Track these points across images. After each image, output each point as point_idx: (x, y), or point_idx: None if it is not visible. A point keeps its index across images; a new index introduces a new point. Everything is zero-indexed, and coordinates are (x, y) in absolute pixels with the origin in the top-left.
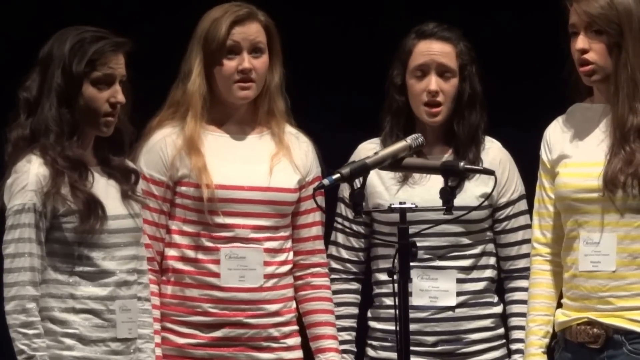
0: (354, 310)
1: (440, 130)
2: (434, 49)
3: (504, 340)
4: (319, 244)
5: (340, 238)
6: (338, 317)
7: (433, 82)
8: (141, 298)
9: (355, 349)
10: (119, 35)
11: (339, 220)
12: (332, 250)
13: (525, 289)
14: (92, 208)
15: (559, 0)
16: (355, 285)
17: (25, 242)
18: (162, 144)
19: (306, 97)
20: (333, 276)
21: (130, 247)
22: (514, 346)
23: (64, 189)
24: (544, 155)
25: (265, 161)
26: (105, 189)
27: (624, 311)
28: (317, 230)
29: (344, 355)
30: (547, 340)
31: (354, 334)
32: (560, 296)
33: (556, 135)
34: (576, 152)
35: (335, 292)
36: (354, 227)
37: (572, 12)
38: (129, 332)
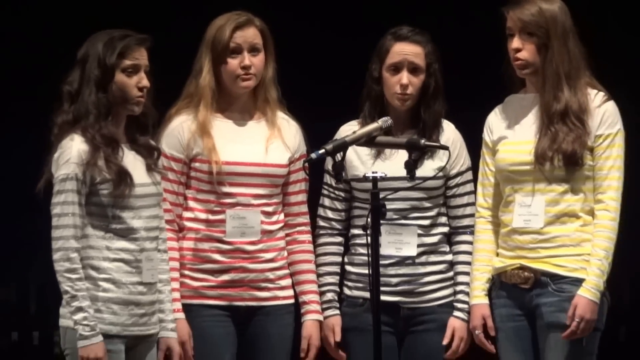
0: (337, 259)
1: (408, 115)
2: (407, 50)
3: (451, 282)
4: (304, 208)
5: (327, 202)
6: (325, 264)
7: (405, 77)
8: (160, 250)
9: (338, 290)
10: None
11: (325, 187)
12: (320, 211)
13: (467, 242)
14: (123, 177)
15: (497, 9)
16: (338, 239)
17: (69, 204)
18: (179, 129)
19: (293, 87)
20: (321, 232)
21: (153, 208)
22: (458, 287)
23: (100, 161)
24: (487, 136)
25: (262, 142)
26: (133, 162)
27: (549, 258)
28: (302, 197)
29: (328, 293)
30: (488, 285)
31: (337, 277)
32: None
33: (496, 121)
34: (512, 134)
35: (322, 245)
36: (337, 192)
37: (509, 18)
38: (151, 277)
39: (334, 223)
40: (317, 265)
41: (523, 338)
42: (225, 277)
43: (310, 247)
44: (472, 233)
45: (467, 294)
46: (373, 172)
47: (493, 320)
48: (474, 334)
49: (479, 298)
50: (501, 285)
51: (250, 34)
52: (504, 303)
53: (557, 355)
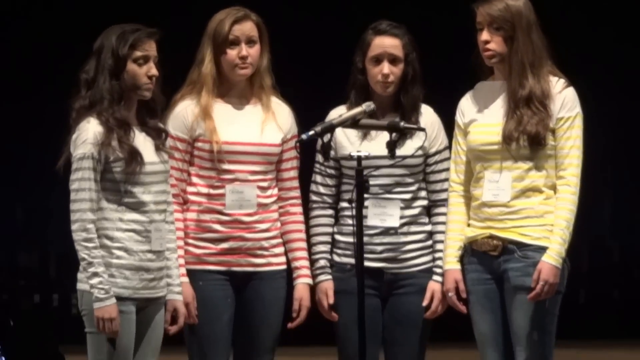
0: (329, 229)
1: (390, 100)
2: (386, 43)
3: (430, 249)
4: (295, 183)
5: (318, 178)
6: (317, 234)
7: (386, 67)
8: (168, 221)
9: (330, 257)
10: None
11: (317, 165)
12: (312, 187)
13: (445, 214)
14: (134, 156)
15: (468, 5)
16: (329, 212)
17: (86, 180)
18: (184, 112)
19: (286, 75)
20: (313, 205)
21: (161, 184)
22: (436, 254)
23: (113, 142)
24: (459, 119)
25: (258, 124)
26: (143, 142)
27: (515, 228)
28: (294, 173)
29: (321, 260)
30: (460, 252)
31: (329, 246)
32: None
33: (467, 105)
34: (482, 117)
35: (315, 217)
36: (327, 170)
37: (478, 14)
38: (160, 246)
39: (325, 197)
40: (311, 236)
41: (492, 300)
42: (225, 245)
43: (301, 218)
44: None
45: None
46: (358, 152)
47: (465, 284)
48: (447, 296)
49: (452, 264)
50: (472, 252)
51: (248, 28)
52: (475, 268)
53: (522, 315)
